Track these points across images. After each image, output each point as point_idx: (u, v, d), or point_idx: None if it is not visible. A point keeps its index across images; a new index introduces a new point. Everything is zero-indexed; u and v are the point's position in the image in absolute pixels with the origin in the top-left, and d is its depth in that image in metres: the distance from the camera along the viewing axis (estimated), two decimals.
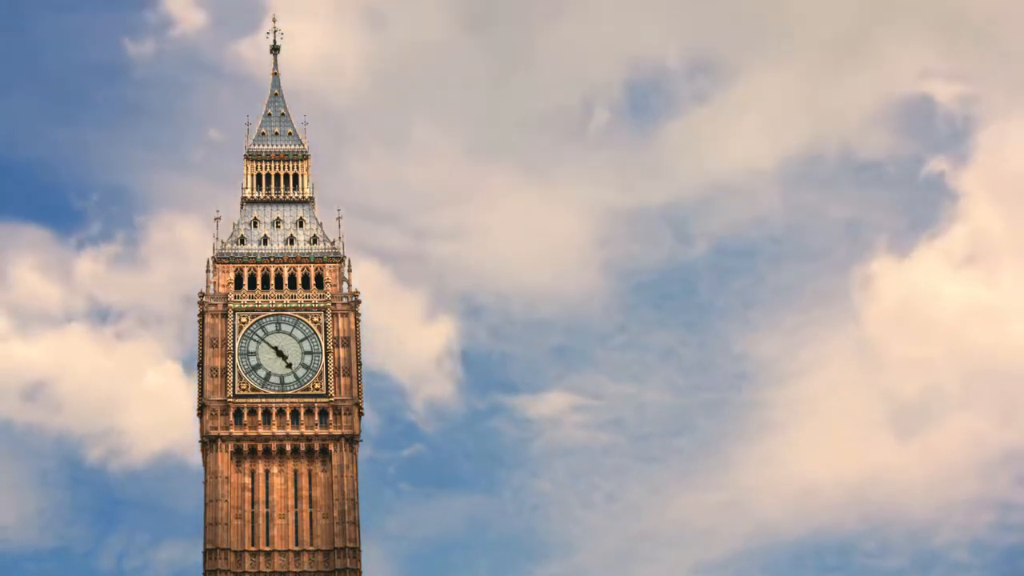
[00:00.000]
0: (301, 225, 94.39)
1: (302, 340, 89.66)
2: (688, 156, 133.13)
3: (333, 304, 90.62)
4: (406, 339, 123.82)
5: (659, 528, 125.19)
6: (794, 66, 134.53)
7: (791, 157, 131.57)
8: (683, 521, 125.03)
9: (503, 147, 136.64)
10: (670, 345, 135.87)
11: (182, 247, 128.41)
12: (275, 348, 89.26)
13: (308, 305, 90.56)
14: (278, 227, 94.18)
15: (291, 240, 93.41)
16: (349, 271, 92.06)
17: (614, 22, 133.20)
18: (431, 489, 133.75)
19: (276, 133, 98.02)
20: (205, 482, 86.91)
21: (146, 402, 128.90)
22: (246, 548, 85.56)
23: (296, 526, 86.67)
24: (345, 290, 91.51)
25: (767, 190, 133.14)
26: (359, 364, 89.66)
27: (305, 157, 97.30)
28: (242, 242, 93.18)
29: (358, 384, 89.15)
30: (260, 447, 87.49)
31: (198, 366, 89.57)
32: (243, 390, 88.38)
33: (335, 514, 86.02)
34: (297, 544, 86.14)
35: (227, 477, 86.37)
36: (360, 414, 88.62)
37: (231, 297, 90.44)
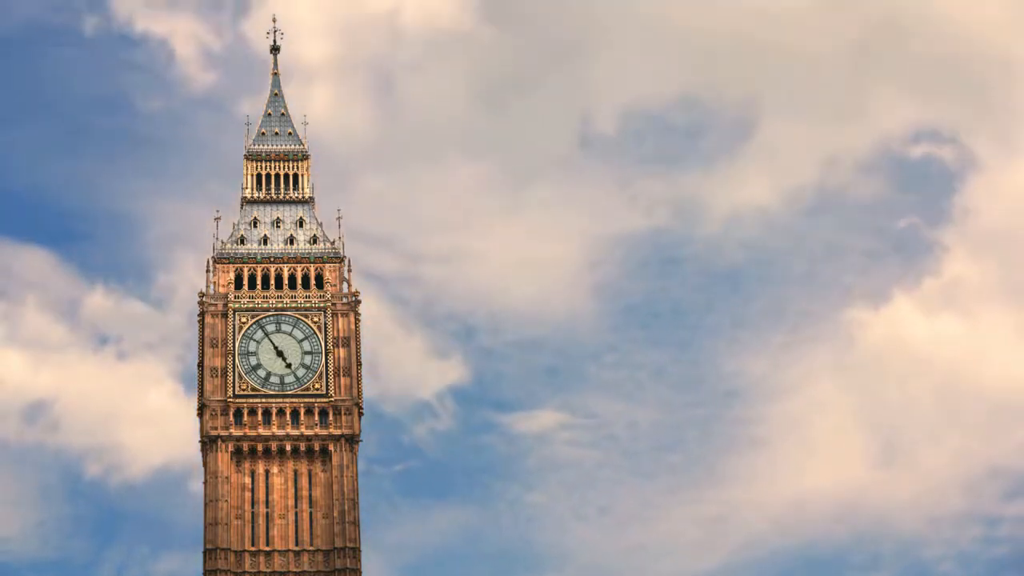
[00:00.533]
0: (301, 225, 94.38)
1: (302, 340, 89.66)
2: (678, 187, 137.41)
3: (333, 304, 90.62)
4: (403, 363, 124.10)
5: (651, 540, 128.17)
6: (785, 110, 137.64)
7: (779, 191, 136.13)
8: (674, 533, 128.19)
9: (499, 176, 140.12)
10: (660, 364, 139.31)
11: (183, 270, 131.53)
12: (275, 348, 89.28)
13: (308, 305, 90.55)
14: (278, 227, 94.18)
15: (291, 240, 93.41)
16: (349, 271, 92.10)
17: (613, 65, 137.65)
18: (427, 500, 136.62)
19: (276, 133, 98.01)
20: (205, 482, 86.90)
21: (146, 420, 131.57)
22: (246, 548, 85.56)
23: (296, 526, 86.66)
24: (345, 290, 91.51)
25: (753, 217, 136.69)
26: (359, 364, 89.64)
27: (305, 157, 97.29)
28: (242, 242, 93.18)
29: (358, 384, 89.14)
30: (260, 447, 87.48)
31: (198, 366, 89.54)
32: (243, 390, 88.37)
33: (335, 514, 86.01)
34: (297, 544, 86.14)
35: (227, 477, 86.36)
36: (360, 414, 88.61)
37: (231, 297, 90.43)
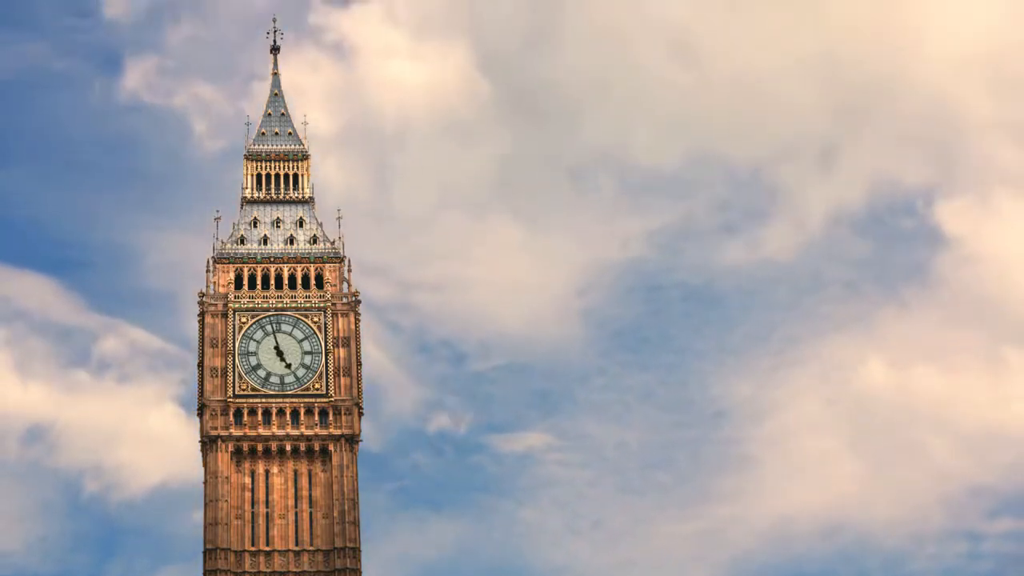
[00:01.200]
0: (301, 225, 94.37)
1: (302, 340, 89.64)
2: (662, 216, 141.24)
3: (333, 304, 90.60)
4: (397, 390, 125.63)
5: (642, 555, 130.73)
6: (763, 150, 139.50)
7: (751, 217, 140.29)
8: (665, 549, 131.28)
9: (489, 205, 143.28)
10: (649, 387, 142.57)
11: (183, 295, 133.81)
12: (275, 348, 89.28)
13: (308, 305, 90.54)
14: (278, 227, 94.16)
15: (291, 240, 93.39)
16: (349, 271, 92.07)
17: (602, 120, 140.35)
18: (423, 513, 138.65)
19: (276, 133, 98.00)
20: (205, 482, 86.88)
21: (146, 441, 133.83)
22: (246, 548, 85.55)
23: (296, 526, 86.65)
24: (345, 290, 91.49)
25: (736, 246, 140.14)
26: (359, 364, 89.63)
27: (305, 157, 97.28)
28: (242, 242, 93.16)
29: (358, 384, 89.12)
30: (260, 447, 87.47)
31: (198, 366, 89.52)
32: (243, 390, 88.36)
33: (335, 514, 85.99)
34: (297, 544, 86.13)
35: (227, 477, 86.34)
36: (360, 414, 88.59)
37: (231, 297, 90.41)
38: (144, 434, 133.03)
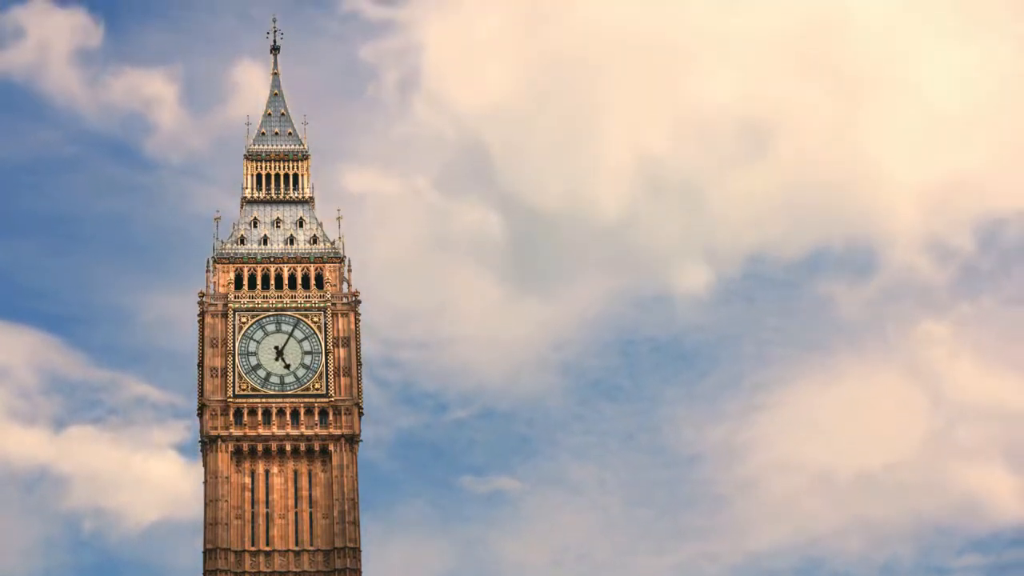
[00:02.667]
0: (301, 225, 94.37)
1: (302, 340, 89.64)
2: (634, 274, 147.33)
3: (333, 304, 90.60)
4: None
5: None
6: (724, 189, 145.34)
7: (724, 278, 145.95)
8: None
9: (471, 268, 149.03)
10: (627, 431, 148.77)
11: (181, 350, 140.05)
12: (275, 348, 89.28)
13: (308, 305, 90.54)
14: (278, 227, 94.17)
15: (291, 240, 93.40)
16: (349, 271, 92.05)
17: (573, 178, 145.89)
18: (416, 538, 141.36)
19: (276, 133, 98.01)
20: (205, 482, 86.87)
21: (146, 484, 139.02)
22: (246, 548, 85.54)
23: (296, 526, 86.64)
24: (345, 290, 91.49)
25: (703, 302, 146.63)
26: (359, 364, 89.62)
27: (305, 157, 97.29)
28: (242, 242, 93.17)
29: (358, 384, 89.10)
30: (260, 447, 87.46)
31: (198, 366, 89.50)
32: (243, 390, 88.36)
33: (335, 514, 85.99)
34: (297, 544, 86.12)
35: (227, 477, 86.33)
36: (360, 414, 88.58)
37: (231, 297, 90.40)
38: (144, 477, 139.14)
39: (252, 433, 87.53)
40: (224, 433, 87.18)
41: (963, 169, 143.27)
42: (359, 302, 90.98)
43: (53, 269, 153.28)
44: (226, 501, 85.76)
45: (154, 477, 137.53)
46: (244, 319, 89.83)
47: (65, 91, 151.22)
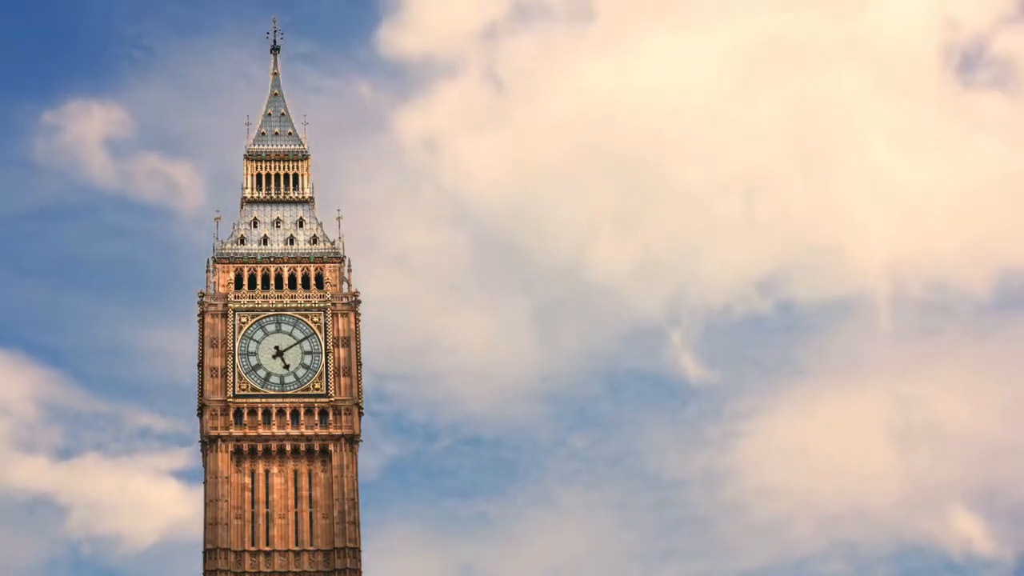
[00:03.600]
0: (301, 225, 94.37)
1: (302, 340, 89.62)
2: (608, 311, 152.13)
3: (333, 304, 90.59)
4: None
5: None
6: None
7: (694, 313, 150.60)
8: None
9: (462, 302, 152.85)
10: (614, 457, 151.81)
11: (181, 383, 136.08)
12: (275, 348, 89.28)
13: (308, 305, 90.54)
14: (278, 227, 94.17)
15: (291, 240, 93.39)
16: (349, 271, 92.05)
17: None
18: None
19: (276, 133, 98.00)
20: (205, 482, 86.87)
21: (146, 511, 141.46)
22: (246, 548, 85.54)
23: (296, 526, 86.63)
24: (345, 290, 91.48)
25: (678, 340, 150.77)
26: (359, 364, 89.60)
27: (305, 157, 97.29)
28: (242, 242, 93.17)
29: (358, 384, 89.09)
30: (260, 447, 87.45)
31: (198, 366, 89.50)
32: (243, 390, 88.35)
33: (335, 514, 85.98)
34: (297, 544, 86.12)
35: (227, 477, 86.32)
36: (360, 414, 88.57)
37: (231, 297, 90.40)
38: (143, 503, 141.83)
39: (252, 433, 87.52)
40: (224, 433, 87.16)
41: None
42: (359, 302, 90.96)
43: (56, 307, 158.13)
44: (226, 501, 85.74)
45: (153, 502, 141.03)
46: (244, 319, 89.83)
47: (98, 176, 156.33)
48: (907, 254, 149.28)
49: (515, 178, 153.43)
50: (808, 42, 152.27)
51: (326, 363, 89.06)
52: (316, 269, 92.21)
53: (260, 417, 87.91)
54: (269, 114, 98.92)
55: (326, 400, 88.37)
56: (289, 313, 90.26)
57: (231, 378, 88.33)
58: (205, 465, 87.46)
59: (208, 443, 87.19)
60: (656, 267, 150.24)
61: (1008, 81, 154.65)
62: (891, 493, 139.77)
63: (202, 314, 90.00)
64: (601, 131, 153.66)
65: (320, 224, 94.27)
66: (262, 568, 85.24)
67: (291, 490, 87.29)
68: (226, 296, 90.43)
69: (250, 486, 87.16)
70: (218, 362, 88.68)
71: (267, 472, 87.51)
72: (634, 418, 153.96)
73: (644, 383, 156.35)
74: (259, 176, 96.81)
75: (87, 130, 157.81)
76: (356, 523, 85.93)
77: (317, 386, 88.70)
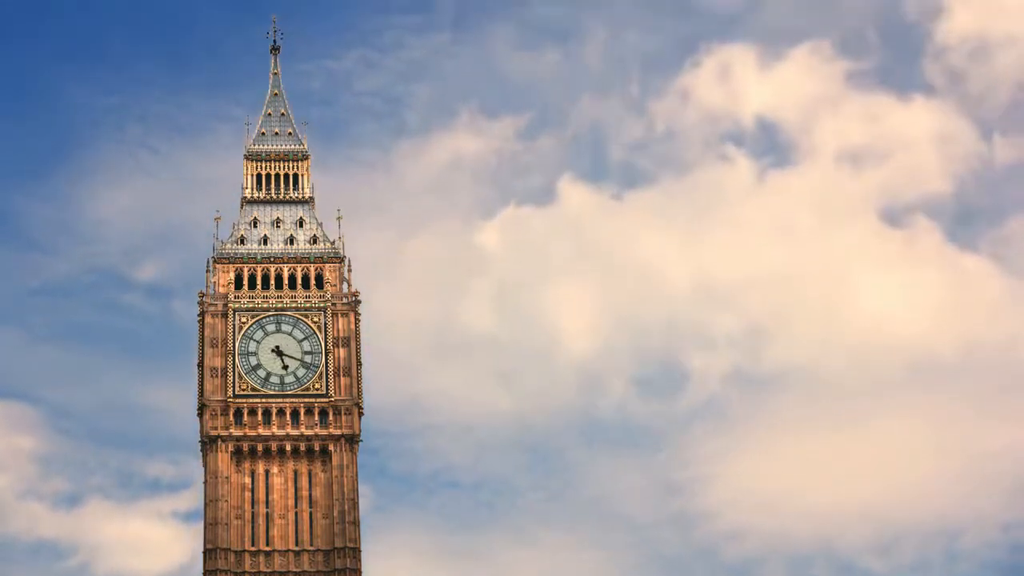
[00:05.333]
0: (301, 225, 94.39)
1: (302, 340, 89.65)
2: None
3: (333, 304, 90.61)
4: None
5: None
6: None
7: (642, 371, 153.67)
8: None
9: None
10: (590, 499, 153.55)
11: (181, 436, 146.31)
12: (275, 348, 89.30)
13: (308, 305, 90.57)
14: (278, 227, 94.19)
15: (291, 240, 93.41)
16: (349, 271, 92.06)
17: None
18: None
19: (276, 133, 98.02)
20: (205, 482, 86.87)
21: (147, 548, 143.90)
22: (246, 548, 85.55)
23: (296, 526, 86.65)
24: (345, 290, 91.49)
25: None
26: (359, 364, 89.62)
27: (305, 157, 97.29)
28: (242, 242, 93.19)
29: (358, 384, 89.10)
30: (260, 447, 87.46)
31: (198, 366, 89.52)
32: (243, 390, 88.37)
33: (335, 514, 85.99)
34: (297, 544, 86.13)
35: (227, 477, 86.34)
36: (360, 414, 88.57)
37: (231, 297, 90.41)
38: (144, 543, 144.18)
39: (252, 433, 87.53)
40: (224, 433, 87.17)
41: None
42: (359, 302, 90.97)
43: (63, 363, 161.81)
44: (226, 501, 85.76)
45: (154, 543, 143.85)
46: (244, 319, 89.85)
47: None
48: None
49: None
50: None
51: (326, 363, 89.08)
52: (316, 269, 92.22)
53: (260, 417, 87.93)
54: (269, 114, 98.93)
55: (326, 400, 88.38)
56: (289, 313, 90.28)
57: (231, 378, 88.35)
58: (205, 465, 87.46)
59: (208, 443, 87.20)
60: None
61: None
62: (860, 533, 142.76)
63: (202, 314, 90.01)
64: None
65: (320, 224, 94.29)
66: (262, 568, 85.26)
67: (291, 490, 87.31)
68: (226, 296, 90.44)
69: (250, 486, 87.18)
70: (218, 362, 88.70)
71: (267, 472, 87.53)
72: (609, 465, 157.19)
73: (617, 431, 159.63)
74: (259, 176, 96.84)
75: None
76: (356, 523, 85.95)
77: (317, 386, 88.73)
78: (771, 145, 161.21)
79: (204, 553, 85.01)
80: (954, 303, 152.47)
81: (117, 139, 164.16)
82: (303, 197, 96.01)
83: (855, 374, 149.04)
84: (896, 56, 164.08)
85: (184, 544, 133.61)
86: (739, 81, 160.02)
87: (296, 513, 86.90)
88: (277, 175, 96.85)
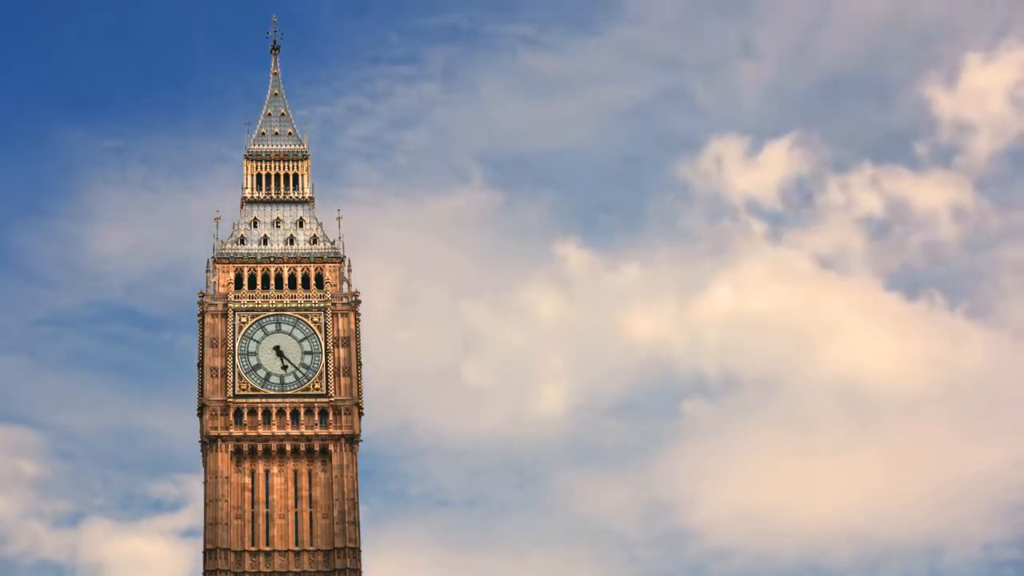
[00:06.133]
0: (301, 225, 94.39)
1: (302, 340, 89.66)
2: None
3: (333, 304, 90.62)
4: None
5: None
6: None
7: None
8: None
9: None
10: (575, 518, 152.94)
11: (182, 463, 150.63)
12: (275, 348, 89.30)
13: (308, 305, 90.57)
14: (278, 227, 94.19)
15: (291, 240, 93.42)
16: (349, 271, 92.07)
17: None
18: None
19: (276, 133, 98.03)
20: (205, 482, 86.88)
21: (149, 567, 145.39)
22: (246, 548, 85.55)
23: (296, 526, 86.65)
24: (345, 290, 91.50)
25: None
26: (359, 364, 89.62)
27: (305, 157, 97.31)
28: (242, 242, 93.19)
29: (358, 384, 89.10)
30: (260, 447, 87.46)
31: (198, 366, 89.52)
32: (243, 390, 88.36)
33: (335, 514, 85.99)
34: (297, 544, 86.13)
35: (227, 477, 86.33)
36: (360, 414, 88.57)
37: (231, 297, 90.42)
38: (144, 561, 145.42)
39: (252, 433, 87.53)
40: (224, 433, 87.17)
41: None
42: (359, 302, 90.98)
43: (66, 390, 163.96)
44: (226, 501, 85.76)
45: (153, 559, 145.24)
46: (244, 319, 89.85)
47: None
48: None
49: None
50: None
51: (326, 363, 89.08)
52: (316, 269, 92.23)
53: (260, 417, 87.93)
54: (269, 114, 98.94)
55: (326, 400, 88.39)
56: (289, 313, 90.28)
57: (231, 378, 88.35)
58: (205, 465, 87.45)
59: (208, 443, 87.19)
60: None
61: None
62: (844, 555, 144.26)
63: (202, 314, 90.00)
64: None
65: (320, 224, 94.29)
66: (262, 568, 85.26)
67: (291, 490, 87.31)
68: (226, 296, 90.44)
69: (250, 486, 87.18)
70: (218, 362, 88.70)
71: (267, 472, 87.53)
72: (597, 485, 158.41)
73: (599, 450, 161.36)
74: (259, 176, 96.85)
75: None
76: (356, 523, 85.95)
77: (317, 386, 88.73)
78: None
79: (204, 553, 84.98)
80: (937, 351, 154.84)
81: (119, 180, 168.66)
82: (303, 197, 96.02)
83: (840, 398, 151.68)
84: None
85: (183, 561, 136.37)
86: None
87: (296, 513, 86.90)
88: (277, 175, 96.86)
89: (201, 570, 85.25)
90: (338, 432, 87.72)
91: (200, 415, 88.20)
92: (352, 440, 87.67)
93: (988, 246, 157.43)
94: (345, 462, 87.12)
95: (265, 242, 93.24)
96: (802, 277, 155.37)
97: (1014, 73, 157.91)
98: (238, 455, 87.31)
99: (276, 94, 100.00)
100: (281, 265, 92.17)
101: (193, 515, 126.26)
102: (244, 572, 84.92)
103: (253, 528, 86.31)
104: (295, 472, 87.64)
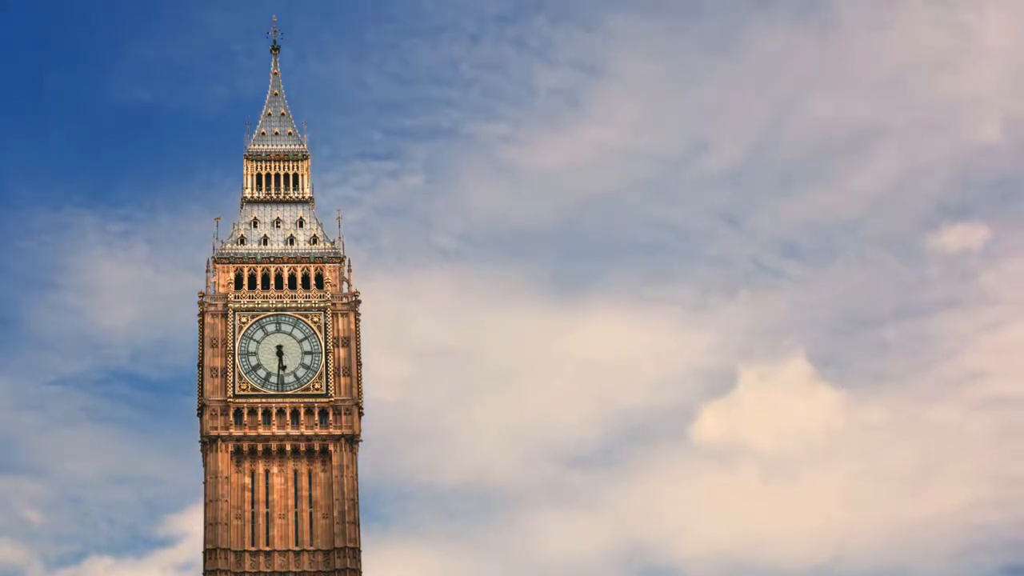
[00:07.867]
0: (301, 225, 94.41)
1: (302, 340, 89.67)
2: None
3: (333, 304, 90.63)
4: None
5: None
6: None
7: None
8: None
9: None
10: (567, 520, 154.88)
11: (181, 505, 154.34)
12: (275, 348, 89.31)
13: (308, 305, 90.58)
14: (278, 227, 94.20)
15: (291, 240, 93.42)
16: (349, 271, 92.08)
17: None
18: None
19: (276, 133, 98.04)
20: (205, 482, 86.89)
21: None
22: (246, 548, 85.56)
23: (296, 526, 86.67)
24: (345, 290, 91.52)
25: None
26: (359, 364, 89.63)
27: (305, 157, 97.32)
28: (242, 242, 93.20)
29: (358, 384, 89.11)
30: (260, 447, 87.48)
31: (198, 366, 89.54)
32: (243, 390, 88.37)
33: (335, 514, 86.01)
34: (297, 544, 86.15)
35: (227, 477, 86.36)
36: (360, 414, 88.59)
37: (231, 297, 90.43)
38: None
39: (252, 433, 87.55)
40: (224, 433, 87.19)
41: None
42: (359, 302, 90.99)
43: (75, 442, 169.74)
44: (226, 501, 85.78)
45: None
46: (244, 319, 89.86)
47: None
48: None
49: None
50: None
51: (326, 363, 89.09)
52: (316, 269, 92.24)
53: (260, 417, 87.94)
54: (269, 114, 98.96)
55: (326, 400, 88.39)
56: (289, 313, 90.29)
57: (231, 378, 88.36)
58: (205, 465, 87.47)
59: (208, 443, 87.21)
60: None
61: None
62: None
63: (202, 314, 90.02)
64: None
65: (320, 224, 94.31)
66: (262, 568, 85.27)
67: (291, 490, 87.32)
68: (226, 296, 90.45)
69: (250, 486, 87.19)
70: (218, 362, 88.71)
71: (267, 472, 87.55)
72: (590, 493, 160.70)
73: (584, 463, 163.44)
74: (259, 176, 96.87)
75: None
76: (356, 523, 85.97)
77: (317, 386, 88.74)
78: None
79: (204, 553, 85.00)
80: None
81: (125, 259, 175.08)
82: (303, 197, 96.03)
83: (812, 447, 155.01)
84: None
85: None
86: None
87: (296, 513, 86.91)
88: (277, 175, 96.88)
89: (201, 570, 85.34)
90: (338, 432, 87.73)
91: (200, 415, 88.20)
92: (352, 440, 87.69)
93: None
94: (345, 462, 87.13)
95: (265, 242, 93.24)
96: None
97: None
98: (238, 455, 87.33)
99: (276, 94, 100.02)
100: (281, 265, 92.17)
101: (192, 549, 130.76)
102: (244, 572, 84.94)
103: (253, 528, 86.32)
104: (295, 472, 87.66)
